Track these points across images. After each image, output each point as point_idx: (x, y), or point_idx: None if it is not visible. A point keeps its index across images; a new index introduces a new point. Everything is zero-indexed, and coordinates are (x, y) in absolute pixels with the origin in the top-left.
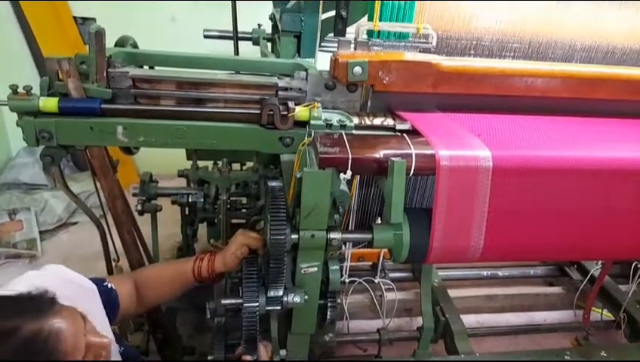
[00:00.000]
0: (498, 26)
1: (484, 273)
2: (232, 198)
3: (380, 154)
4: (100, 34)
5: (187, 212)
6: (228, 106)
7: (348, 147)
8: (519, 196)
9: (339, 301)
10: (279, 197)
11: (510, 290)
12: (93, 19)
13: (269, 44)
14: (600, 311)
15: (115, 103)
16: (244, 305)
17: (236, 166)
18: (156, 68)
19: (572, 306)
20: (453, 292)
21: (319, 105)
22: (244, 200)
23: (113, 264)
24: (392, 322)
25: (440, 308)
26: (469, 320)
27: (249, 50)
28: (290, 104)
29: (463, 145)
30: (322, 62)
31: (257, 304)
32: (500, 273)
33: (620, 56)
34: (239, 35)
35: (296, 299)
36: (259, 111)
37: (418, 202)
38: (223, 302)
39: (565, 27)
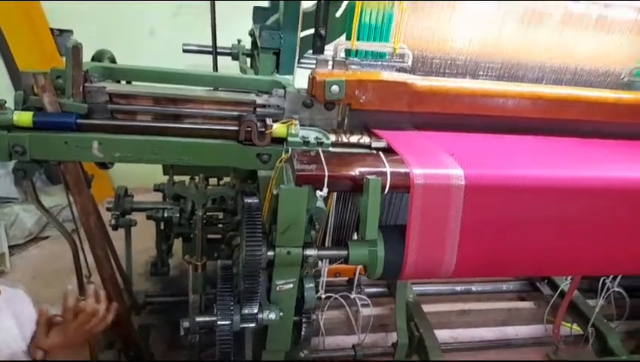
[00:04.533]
0: (471, 47)
1: (458, 288)
2: (208, 213)
3: (356, 171)
4: (76, 49)
5: (162, 227)
6: (205, 122)
7: (324, 164)
8: (491, 213)
9: (314, 317)
10: (255, 214)
11: (483, 305)
12: (70, 32)
13: (249, 60)
14: (570, 325)
15: (91, 118)
16: (218, 322)
17: (213, 180)
18: (133, 83)
19: (543, 321)
20: (427, 308)
21: (297, 122)
22: (220, 215)
23: (85, 280)
24: (368, 337)
25: (414, 324)
26: (443, 335)
27: (228, 65)
28: (268, 121)
29: (437, 163)
30: (301, 78)
31: (231, 322)
32: (473, 288)
33: (587, 77)
34: (219, 50)
35: (271, 315)
36: (236, 128)
37: (393, 219)
38: (197, 319)
39: (536, 49)
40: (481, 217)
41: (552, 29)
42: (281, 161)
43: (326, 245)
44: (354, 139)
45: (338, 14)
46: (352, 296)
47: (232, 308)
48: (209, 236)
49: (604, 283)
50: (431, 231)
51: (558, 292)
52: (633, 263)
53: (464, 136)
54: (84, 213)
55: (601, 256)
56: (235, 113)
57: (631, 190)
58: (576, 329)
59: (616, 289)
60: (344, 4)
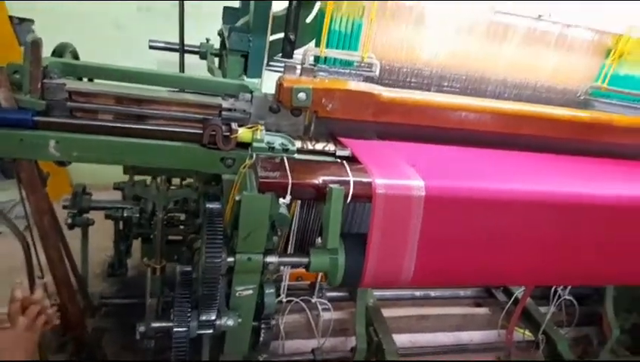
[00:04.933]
0: (438, 59)
1: (418, 293)
2: (170, 214)
3: (320, 180)
4: (36, 44)
5: (121, 227)
6: (169, 124)
7: (288, 172)
8: (450, 224)
9: (274, 322)
10: (216, 220)
11: (441, 310)
12: (31, 21)
13: (217, 60)
14: (522, 331)
15: (49, 116)
16: (174, 329)
17: (177, 180)
18: (96, 81)
19: (497, 326)
20: (387, 312)
21: (263, 127)
22: (182, 216)
23: (37, 280)
24: (328, 342)
25: (373, 329)
26: (402, 339)
27: (197, 64)
28: (234, 125)
29: (399, 174)
30: (270, 81)
31: (187, 329)
32: (432, 293)
33: (546, 93)
34: (187, 49)
35: (229, 322)
36: (201, 131)
37: (357, 227)
38: (153, 325)
39: (499, 64)
40: (440, 228)
41: (515, 45)
42: (244, 167)
43: (289, 250)
44: (319, 146)
45: (309, 20)
46: (314, 300)
47: (189, 314)
48: (170, 238)
49: (555, 291)
50: (391, 241)
51: (513, 299)
52: (584, 275)
53: (427, 147)
54: (37, 212)
55: (554, 268)
56: (200, 116)
57: (584, 205)
58: (528, 334)
59: (567, 297)
60: (315, 9)
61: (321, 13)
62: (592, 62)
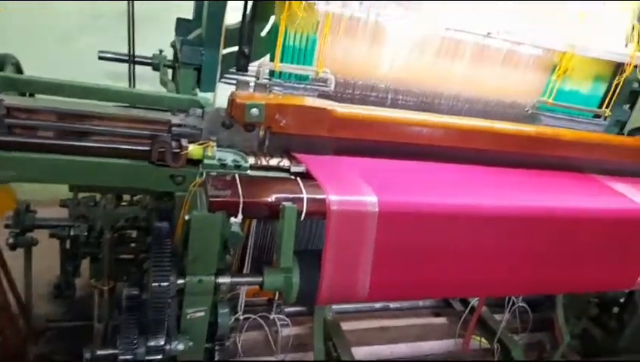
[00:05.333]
0: (392, 74)
1: (377, 305)
2: (120, 232)
3: (272, 198)
4: None
5: (68, 246)
6: (116, 141)
7: (240, 190)
8: (403, 239)
9: (228, 343)
10: (164, 241)
11: (401, 322)
12: None
13: (170, 71)
14: (479, 339)
15: None
16: (119, 357)
17: (127, 196)
18: (39, 96)
19: (455, 335)
20: (347, 325)
21: (214, 144)
22: (134, 233)
23: None
24: (287, 358)
25: (332, 343)
26: (362, 352)
27: (150, 75)
28: (184, 142)
29: (353, 190)
30: (225, 94)
31: (134, 356)
32: (391, 305)
33: (496, 107)
34: (138, 60)
35: (179, 346)
36: (149, 148)
37: (315, 241)
38: (99, 353)
39: (451, 79)
40: (394, 242)
41: (466, 61)
42: (194, 185)
43: (245, 267)
44: (274, 162)
45: (263, 33)
46: (272, 316)
47: (135, 340)
48: (120, 256)
49: (509, 299)
50: (346, 257)
51: (469, 308)
52: (534, 285)
53: (381, 162)
54: None
55: (506, 279)
56: (149, 132)
57: (533, 216)
58: (484, 342)
59: (521, 305)
60: (269, 23)
61: (276, 28)
62: (538, 78)
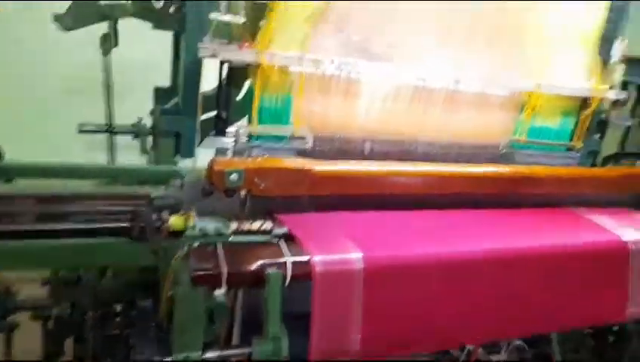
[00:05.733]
0: (368, 126)
1: None
2: (104, 308)
3: (256, 265)
4: None
5: (51, 326)
6: (98, 220)
7: (223, 260)
8: (392, 293)
9: None
10: (147, 322)
11: None
12: None
13: (151, 138)
14: None
15: None
16: None
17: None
18: (17, 181)
19: None
20: None
21: (194, 214)
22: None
23: None
24: None
25: None
26: None
27: (132, 143)
28: (164, 214)
29: (337, 248)
30: (206, 157)
31: None
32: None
33: (471, 150)
34: (119, 130)
35: None
36: (129, 225)
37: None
38: None
39: (425, 126)
40: (382, 297)
41: (438, 107)
42: (177, 259)
43: (234, 334)
44: (256, 225)
45: (239, 98)
46: None
47: None
48: (107, 333)
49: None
50: (335, 317)
51: (466, 352)
52: (529, 327)
53: (363, 215)
54: None
55: (499, 323)
56: (129, 208)
57: (522, 258)
58: None
59: (517, 343)
60: (245, 88)
61: (251, 91)
62: (509, 118)
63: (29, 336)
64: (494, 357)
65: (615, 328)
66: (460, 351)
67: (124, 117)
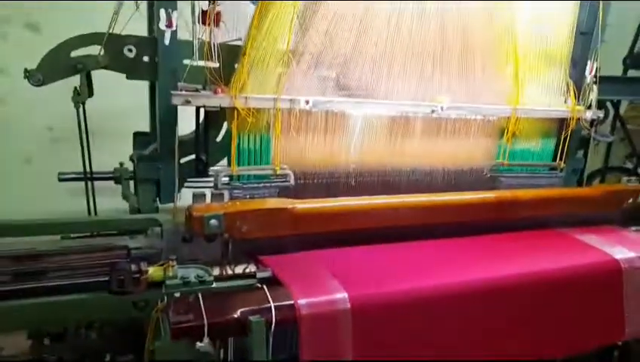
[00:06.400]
0: (350, 158)
1: None
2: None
3: (238, 313)
4: None
5: None
6: (76, 275)
7: (203, 311)
8: (381, 330)
9: None
10: None
11: None
12: None
13: (132, 183)
14: None
15: None
16: None
17: None
18: None
19: None
20: None
21: (174, 263)
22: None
23: None
24: None
25: None
26: None
27: (115, 188)
28: (143, 265)
29: (321, 289)
30: (188, 199)
31: None
32: None
33: (455, 176)
34: (100, 176)
35: None
36: (108, 277)
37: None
38: None
39: (407, 156)
40: (372, 335)
41: (418, 136)
42: (157, 311)
43: None
44: (239, 269)
45: (218, 139)
46: None
47: None
48: None
49: None
50: (324, 359)
51: None
52: (524, 354)
53: (348, 251)
54: None
55: (494, 353)
56: (107, 260)
57: (514, 286)
58: None
59: None
60: (223, 130)
61: (229, 133)
62: (490, 142)
63: None
64: None
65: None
66: None
67: (108, 161)
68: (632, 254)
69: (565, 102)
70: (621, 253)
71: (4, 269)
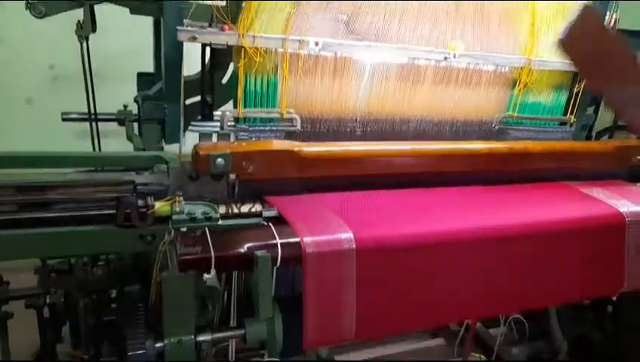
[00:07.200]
0: (358, 105)
1: None
2: (98, 294)
3: (245, 248)
4: None
5: (47, 313)
6: (81, 208)
7: (210, 245)
8: (385, 272)
9: None
10: (136, 307)
11: (398, 348)
12: None
13: (136, 125)
14: (478, 356)
15: None
16: None
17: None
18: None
19: (454, 355)
20: (341, 357)
21: (181, 199)
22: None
23: None
24: None
25: None
26: None
27: (118, 130)
28: (150, 200)
29: (327, 229)
30: (192, 143)
31: None
32: None
33: (463, 127)
34: (104, 117)
35: None
36: (115, 211)
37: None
38: None
39: (415, 104)
40: (375, 277)
41: (428, 85)
42: (164, 244)
43: (231, 316)
44: (245, 208)
45: (224, 81)
46: (265, 359)
47: None
48: (104, 319)
49: None
50: (327, 298)
51: (464, 326)
52: (523, 301)
53: (354, 195)
54: None
55: (493, 299)
56: (114, 194)
57: (515, 234)
58: (484, 358)
59: (516, 316)
60: (229, 71)
61: (236, 74)
62: (501, 94)
63: (26, 325)
64: (493, 331)
65: (614, 298)
66: (458, 326)
67: (111, 104)
68: (636, 208)
69: None
70: (625, 206)
71: (9, 199)
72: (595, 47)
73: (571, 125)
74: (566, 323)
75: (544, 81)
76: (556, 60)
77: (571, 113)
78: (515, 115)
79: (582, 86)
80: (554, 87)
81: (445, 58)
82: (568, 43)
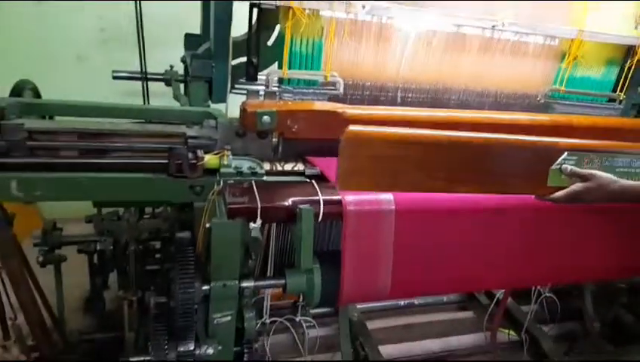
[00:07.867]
0: (400, 72)
1: (402, 302)
2: (145, 244)
3: (289, 201)
4: None
5: (96, 260)
6: (134, 156)
7: (257, 196)
8: (421, 235)
9: (256, 346)
10: (187, 250)
11: (427, 318)
12: None
13: (182, 86)
14: (507, 331)
15: (8, 157)
16: None
17: (149, 208)
18: (58, 118)
19: (482, 329)
20: (372, 324)
21: (229, 153)
22: (158, 244)
23: (9, 322)
24: (315, 359)
25: (359, 343)
26: (389, 350)
27: (164, 91)
28: (200, 152)
29: None
30: (237, 103)
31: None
32: (416, 301)
33: (507, 99)
34: (151, 76)
35: (209, 351)
36: (167, 161)
37: (336, 243)
38: (131, 359)
39: (460, 73)
40: (412, 239)
41: (473, 55)
42: (213, 193)
43: (268, 269)
44: (288, 167)
45: (270, 43)
46: (298, 318)
47: (166, 347)
48: (147, 267)
49: (536, 290)
50: (365, 256)
51: (495, 300)
52: (559, 274)
53: None
54: (4, 256)
55: (529, 270)
56: (166, 146)
57: (551, 207)
58: (513, 334)
59: (548, 295)
60: (275, 33)
61: (282, 36)
62: (548, 67)
63: (77, 270)
64: (524, 309)
65: None
66: (489, 300)
67: (155, 67)
68: None
69: (636, 28)
70: None
71: (70, 144)
72: None
73: (620, 102)
74: (600, 305)
75: (595, 55)
76: (609, 33)
77: (621, 90)
78: (562, 88)
79: (634, 61)
80: (605, 61)
81: (493, 27)
82: None
